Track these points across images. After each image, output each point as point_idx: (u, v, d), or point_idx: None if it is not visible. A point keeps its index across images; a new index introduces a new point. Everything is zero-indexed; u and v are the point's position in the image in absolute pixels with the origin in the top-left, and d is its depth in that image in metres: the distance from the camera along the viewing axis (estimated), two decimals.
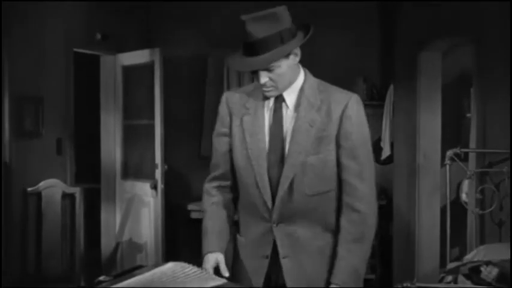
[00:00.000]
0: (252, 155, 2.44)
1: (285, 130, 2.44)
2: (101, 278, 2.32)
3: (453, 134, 6.16)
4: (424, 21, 5.47)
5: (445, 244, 4.98)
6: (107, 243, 6.23)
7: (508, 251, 3.82)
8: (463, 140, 5.79)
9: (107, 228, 6.22)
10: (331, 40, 6.08)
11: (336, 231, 2.46)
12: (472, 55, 4.99)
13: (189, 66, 6.56)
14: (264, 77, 2.36)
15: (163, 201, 5.64)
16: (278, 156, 2.43)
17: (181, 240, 6.36)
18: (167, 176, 5.74)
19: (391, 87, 6.08)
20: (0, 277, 4.41)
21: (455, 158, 4.80)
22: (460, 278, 3.88)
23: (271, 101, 2.46)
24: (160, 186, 5.61)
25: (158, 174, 5.62)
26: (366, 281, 2.59)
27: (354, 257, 2.42)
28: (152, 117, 5.65)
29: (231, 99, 2.54)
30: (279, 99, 2.45)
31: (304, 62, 2.49)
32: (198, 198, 3.36)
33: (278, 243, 2.46)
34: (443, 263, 5.33)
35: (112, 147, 6.19)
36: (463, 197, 5.39)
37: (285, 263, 2.46)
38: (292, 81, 2.43)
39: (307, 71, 2.51)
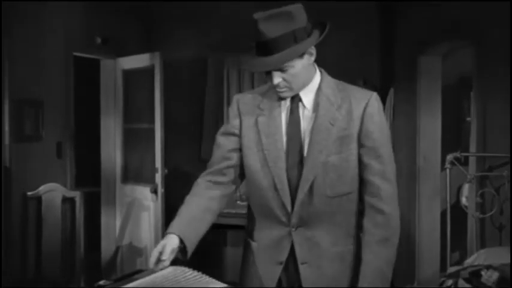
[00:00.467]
0: (269, 157, 2.34)
1: (303, 131, 2.34)
2: (101, 282, 2.30)
3: (453, 137, 6.16)
4: (424, 23, 5.48)
5: (446, 248, 4.98)
6: (107, 247, 6.22)
7: (509, 255, 3.82)
8: (463, 144, 5.78)
9: (107, 232, 6.21)
10: (330, 40, 6.05)
11: (356, 236, 2.38)
12: (472, 57, 4.99)
13: (189, 69, 6.55)
14: (277, 78, 2.28)
15: (164, 205, 5.62)
16: (296, 158, 2.33)
17: None
18: (167, 179, 5.72)
19: (391, 90, 6.08)
20: (0, 280, 4.40)
21: (456, 162, 4.80)
22: (461, 282, 3.87)
23: (288, 102, 2.37)
24: (160, 190, 5.60)
25: (158, 178, 5.60)
26: None
27: (379, 260, 2.32)
28: (152, 121, 5.64)
29: (242, 100, 2.45)
30: (296, 99, 2.36)
31: None
32: None
33: (296, 248, 2.35)
34: (443, 267, 5.33)
35: (112, 151, 6.19)
36: (463, 200, 5.39)
37: (303, 269, 2.35)
38: (307, 82, 2.35)
39: (323, 70, 2.42)
